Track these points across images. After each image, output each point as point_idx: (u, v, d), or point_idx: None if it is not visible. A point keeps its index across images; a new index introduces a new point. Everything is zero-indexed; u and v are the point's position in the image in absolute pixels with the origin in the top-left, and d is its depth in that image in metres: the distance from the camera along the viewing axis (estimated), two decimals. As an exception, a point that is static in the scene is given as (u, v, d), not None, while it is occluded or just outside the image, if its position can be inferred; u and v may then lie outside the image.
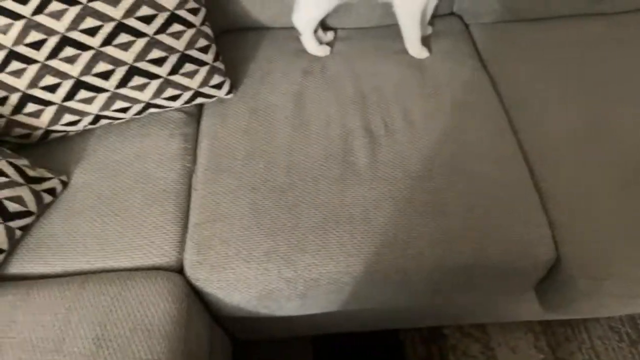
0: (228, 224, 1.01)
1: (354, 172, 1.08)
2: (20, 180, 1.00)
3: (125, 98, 1.10)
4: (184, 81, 1.14)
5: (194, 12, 1.14)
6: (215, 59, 1.19)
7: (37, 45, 1.01)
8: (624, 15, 1.40)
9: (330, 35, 1.41)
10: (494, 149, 1.12)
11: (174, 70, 1.12)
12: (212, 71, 1.18)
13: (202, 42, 1.16)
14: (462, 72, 1.29)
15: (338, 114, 1.20)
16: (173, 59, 1.11)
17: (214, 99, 1.22)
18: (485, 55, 1.36)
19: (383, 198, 1.04)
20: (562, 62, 1.29)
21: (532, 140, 1.15)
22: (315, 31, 1.36)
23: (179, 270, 1.01)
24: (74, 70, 1.04)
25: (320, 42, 1.36)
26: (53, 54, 1.02)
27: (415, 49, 1.34)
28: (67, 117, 1.09)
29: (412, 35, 1.32)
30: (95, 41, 1.04)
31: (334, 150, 1.13)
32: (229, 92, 1.22)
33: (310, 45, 1.34)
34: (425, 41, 1.37)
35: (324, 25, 1.40)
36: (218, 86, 1.20)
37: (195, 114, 1.24)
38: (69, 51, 1.03)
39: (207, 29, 1.18)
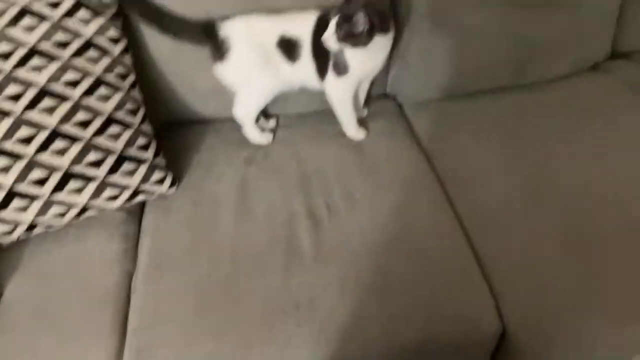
0: (169, 326, 0.97)
1: (299, 257, 1.08)
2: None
3: (61, 203, 1.08)
4: (123, 181, 1.15)
5: (133, 112, 1.18)
6: (156, 155, 1.21)
7: (-32, 158, 1.00)
8: (544, 85, 1.52)
9: (272, 123, 1.46)
10: (433, 223, 1.15)
11: (112, 171, 1.12)
12: (153, 168, 1.19)
13: (141, 141, 1.18)
14: (398, 150, 1.35)
15: (282, 200, 1.22)
16: (111, 160, 1.12)
17: (155, 195, 1.22)
18: (419, 132, 1.44)
19: (329, 281, 1.04)
20: (492, 134, 1.38)
21: (469, 211, 1.19)
22: (257, 120, 1.41)
23: (118, 382, 0.95)
24: (8, 179, 1.03)
25: (263, 130, 1.41)
26: (-15, 166, 1.01)
27: (352, 131, 1.40)
28: (0, 228, 1.06)
29: (347, 118, 1.38)
30: (29, 149, 1.04)
31: (278, 236, 1.13)
32: (171, 187, 1.23)
33: (253, 134, 1.38)
34: (362, 122, 1.44)
35: (265, 113, 1.46)
36: (159, 182, 1.20)
37: (137, 212, 1.23)
38: (2, 161, 1.02)
39: (146, 127, 1.21)
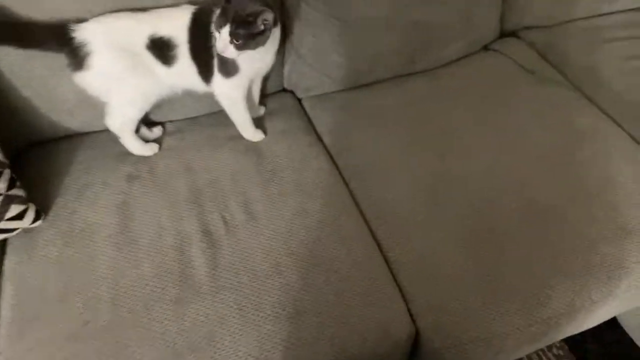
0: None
1: (193, 287, 0.96)
2: None
3: None
4: (-32, 221, 0.95)
5: (-28, 138, 0.97)
6: (11, 186, 1.01)
7: None
8: (438, 70, 1.49)
9: (157, 131, 1.30)
10: (339, 228, 1.08)
11: (-50, 212, 0.92)
12: (8, 202, 0.99)
13: (-13, 171, 0.98)
14: (299, 150, 1.26)
15: (171, 220, 1.08)
16: (-53, 199, 0.92)
17: (17, 232, 1.03)
18: (319, 127, 1.35)
19: (229, 311, 0.93)
20: (393, 125, 1.33)
21: (375, 210, 1.14)
22: (138, 130, 1.24)
23: None
24: None
25: (147, 140, 1.25)
26: None
27: (248, 132, 1.28)
28: None
29: (241, 121, 1.26)
30: None
31: (168, 265, 1.00)
32: (35, 220, 1.05)
33: (133, 146, 1.22)
34: (259, 122, 1.33)
35: (147, 121, 1.29)
36: (18, 217, 1.01)
37: (-4, 253, 1.03)
38: None
39: (-6, 155, 1.01)
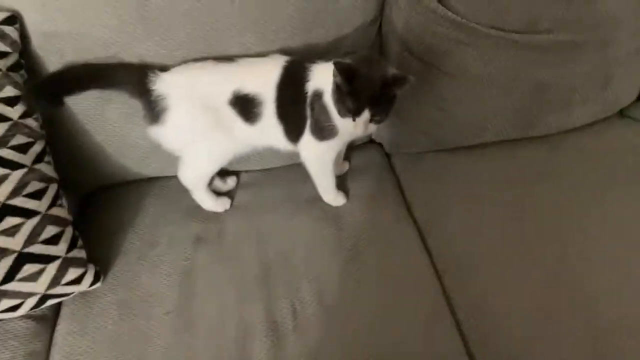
0: None
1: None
2: None
3: None
4: (24, 287, 0.87)
5: (38, 195, 0.90)
6: (71, 248, 0.93)
7: None
8: (559, 137, 1.26)
9: (231, 182, 1.19)
10: (427, 336, 0.90)
11: (8, 278, 0.85)
12: (66, 265, 0.92)
13: (49, 231, 0.90)
14: (385, 224, 1.09)
15: (236, 301, 0.96)
16: (6, 264, 0.85)
17: (73, 295, 0.96)
18: (410, 196, 1.18)
19: None
20: (501, 205, 1.11)
21: (474, 322, 0.94)
22: (211, 182, 1.14)
23: None
24: None
25: (219, 194, 1.14)
26: None
27: (330, 195, 1.13)
28: None
29: (324, 183, 1.12)
30: None
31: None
32: (94, 283, 0.96)
33: (205, 201, 1.11)
34: (342, 180, 1.18)
35: (221, 170, 1.18)
36: (76, 281, 0.93)
37: (50, 317, 0.96)
38: None
39: (59, 211, 0.93)
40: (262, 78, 0.97)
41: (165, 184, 1.16)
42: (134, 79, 0.95)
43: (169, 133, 0.98)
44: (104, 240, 1.05)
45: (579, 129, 1.26)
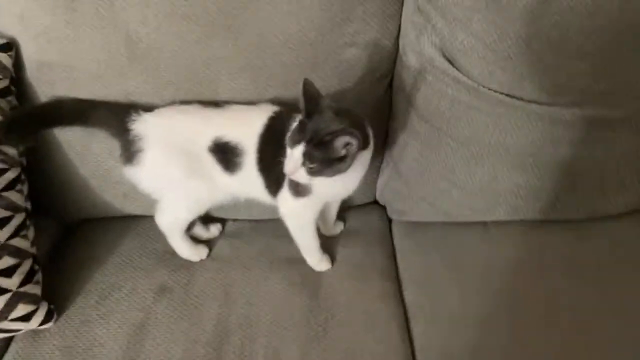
0: None
1: None
2: None
3: None
4: (-35, 320, 0.84)
5: (-1, 224, 0.87)
6: (25, 282, 0.89)
7: None
8: (588, 224, 1.08)
9: (214, 230, 1.12)
10: None
11: (-52, 307, 0.82)
12: (16, 300, 0.87)
13: (5, 262, 0.87)
14: (367, 302, 0.97)
15: (180, 365, 0.86)
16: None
17: (22, 332, 0.91)
18: (403, 270, 1.05)
19: None
20: (503, 292, 0.96)
21: None
22: (191, 227, 1.07)
23: None
24: None
25: (198, 241, 1.08)
26: None
27: (312, 258, 1.03)
28: None
29: (306, 244, 1.02)
30: None
31: None
32: (45, 322, 0.91)
33: (181, 248, 1.05)
34: (331, 243, 1.07)
35: (207, 216, 1.12)
36: (25, 318, 0.88)
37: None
38: None
39: (20, 242, 0.90)
40: (246, 127, 0.91)
41: (146, 225, 1.10)
42: (114, 118, 0.92)
43: (144, 175, 0.94)
44: (70, 275, 1.01)
45: (613, 217, 1.08)
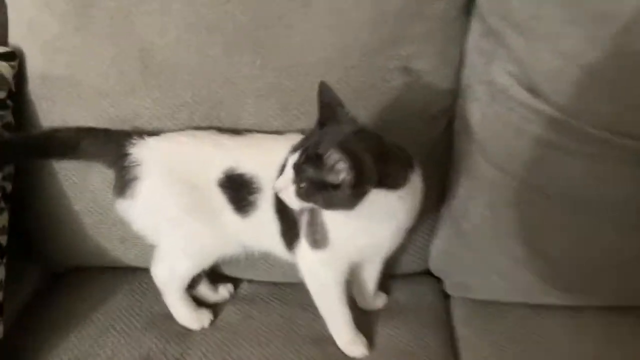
0: None
1: None
2: None
3: None
4: None
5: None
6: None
7: None
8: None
9: (224, 292, 0.90)
10: None
11: None
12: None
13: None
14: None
15: None
16: None
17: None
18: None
19: None
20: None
21: None
22: (196, 284, 0.87)
23: None
24: None
25: (205, 302, 0.86)
26: None
27: (342, 338, 0.79)
28: None
29: (329, 316, 0.78)
30: None
31: None
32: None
33: (178, 310, 0.83)
34: (371, 321, 0.83)
35: (216, 273, 0.91)
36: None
37: None
38: None
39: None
40: (266, 157, 0.73)
41: (144, 279, 0.90)
42: (111, 144, 0.77)
43: (138, 210, 0.76)
44: (42, 335, 0.81)
45: None
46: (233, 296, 0.90)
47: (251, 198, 0.73)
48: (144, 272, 0.90)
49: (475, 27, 0.80)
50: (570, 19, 0.67)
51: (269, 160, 0.72)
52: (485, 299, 0.87)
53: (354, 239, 0.69)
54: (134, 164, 0.74)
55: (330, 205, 0.62)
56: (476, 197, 0.83)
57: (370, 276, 0.84)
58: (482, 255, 0.84)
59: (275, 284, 0.92)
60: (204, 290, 0.89)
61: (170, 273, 0.81)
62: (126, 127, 0.80)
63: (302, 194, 0.61)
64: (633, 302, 0.81)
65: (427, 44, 0.78)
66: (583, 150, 0.72)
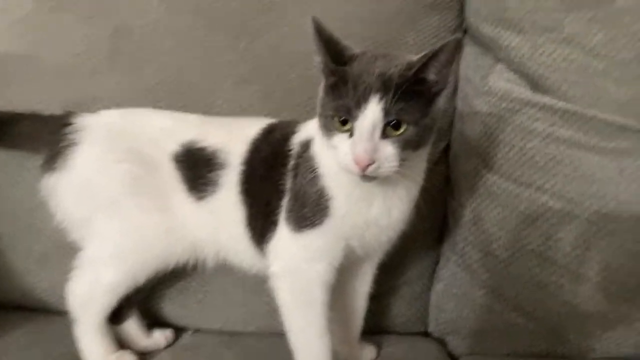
0: None
1: None
2: None
3: None
4: None
5: None
6: None
7: None
8: None
9: (159, 338, 0.67)
10: None
11: None
12: None
13: None
14: None
15: None
16: None
17: None
18: None
19: None
20: None
21: None
22: (124, 318, 0.64)
23: None
24: None
25: (135, 346, 0.63)
26: None
27: (320, 385, 0.55)
28: None
29: (308, 347, 0.56)
30: None
31: None
32: None
33: (90, 348, 0.60)
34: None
35: (155, 315, 0.69)
36: None
37: None
38: None
39: None
40: (233, 133, 0.61)
41: (57, 325, 0.66)
42: (46, 129, 0.63)
43: (68, 187, 0.59)
44: None
45: None
46: (170, 345, 0.67)
47: (211, 176, 0.58)
48: (54, 317, 0.68)
49: (468, 47, 0.77)
50: (571, 4, 0.65)
51: (237, 135, 0.60)
52: (503, 354, 0.66)
53: (367, 207, 0.53)
54: (73, 131, 0.60)
55: (430, 132, 0.50)
56: (485, 217, 0.69)
57: (360, 304, 0.63)
58: (494, 294, 0.66)
59: (226, 333, 0.70)
60: (133, 329, 0.66)
61: (91, 288, 0.60)
62: (81, 111, 0.69)
63: (409, 143, 0.48)
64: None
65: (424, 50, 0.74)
66: (606, 145, 0.63)
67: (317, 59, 0.51)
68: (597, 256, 0.62)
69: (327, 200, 0.52)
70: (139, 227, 0.59)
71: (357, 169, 0.46)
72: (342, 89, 0.48)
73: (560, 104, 0.65)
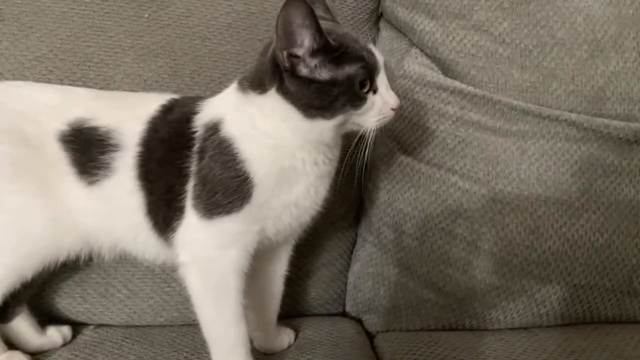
0: None
1: None
2: None
3: None
4: None
5: None
6: None
7: None
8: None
9: (55, 336, 0.61)
10: None
11: None
12: None
13: None
14: None
15: None
16: None
17: None
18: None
19: None
20: None
21: None
22: (9, 317, 0.57)
23: None
24: None
25: (24, 347, 0.56)
26: None
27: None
28: None
29: (226, 343, 0.53)
30: None
31: None
32: None
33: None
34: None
35: (51, 313, 0.62)
36: None
37: None
38: None
39: None
40: (129, 110, 0.56)
41: None
42: None
43: None
44: None
45: None
46: (69, 342, 0.61)
47: (104, 158, 0.53)
48: None
49: (384, 31, 0.78)
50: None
51: (133, 112, 0.55)
52: (418, 328, 0.68)
53: (289, 189, 0.52)
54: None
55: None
56: (399, 198, 0.70)
57: (276, 288, 0.61)
58: (412, 265, 0.68)
59: (132, 327, 0.65)
60: (23, 327, 0.59)
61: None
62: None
63: None
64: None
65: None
66: (510, 128, 0.66)
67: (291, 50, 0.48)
68: (501, 232, 0.66)
69: (248, 186, 0.50)
70: (20, 216, 0.52)
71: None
72: (348, 56, 0.49)
73: (470, 89, 0.68)
